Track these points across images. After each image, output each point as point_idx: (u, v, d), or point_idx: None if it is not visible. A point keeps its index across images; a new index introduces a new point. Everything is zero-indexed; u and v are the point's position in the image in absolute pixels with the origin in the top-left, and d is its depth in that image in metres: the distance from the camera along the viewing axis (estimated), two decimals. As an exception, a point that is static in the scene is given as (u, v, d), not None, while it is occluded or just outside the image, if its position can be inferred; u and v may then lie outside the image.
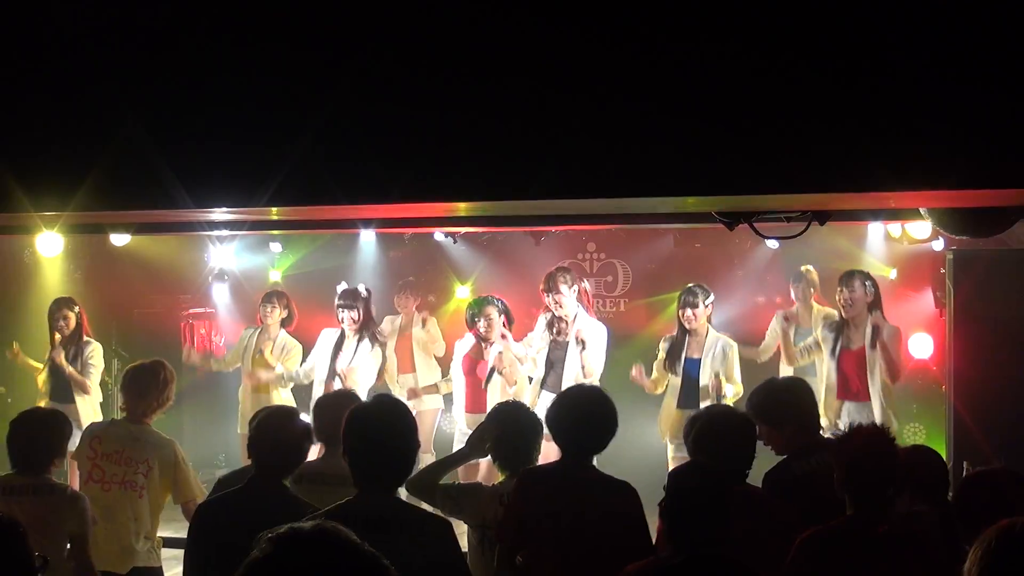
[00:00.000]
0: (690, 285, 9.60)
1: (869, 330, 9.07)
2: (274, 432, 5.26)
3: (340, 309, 10.09)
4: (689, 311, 9.38)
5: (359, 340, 10.07)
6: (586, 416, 5.49)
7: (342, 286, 10.26)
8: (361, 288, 10.23)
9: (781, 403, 6.00)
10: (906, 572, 4.58)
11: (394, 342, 11.14)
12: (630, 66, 4.35)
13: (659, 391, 9.71)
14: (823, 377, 9.37)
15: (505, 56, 4.43)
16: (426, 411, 10.83)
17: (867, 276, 9.30)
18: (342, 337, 10.15)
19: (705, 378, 9.28)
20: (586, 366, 9.19)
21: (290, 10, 4.67)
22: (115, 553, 6.46)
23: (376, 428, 4.53)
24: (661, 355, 9.64)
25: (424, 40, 4.53)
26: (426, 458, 10.62)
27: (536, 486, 5.36)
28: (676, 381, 9.50)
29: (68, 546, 5.92)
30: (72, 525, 5.89)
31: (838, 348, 9.28)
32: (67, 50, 4.78)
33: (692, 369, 9.41)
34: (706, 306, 9.43)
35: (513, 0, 4.45)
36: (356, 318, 10.04)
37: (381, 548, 4.30)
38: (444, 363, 11.10)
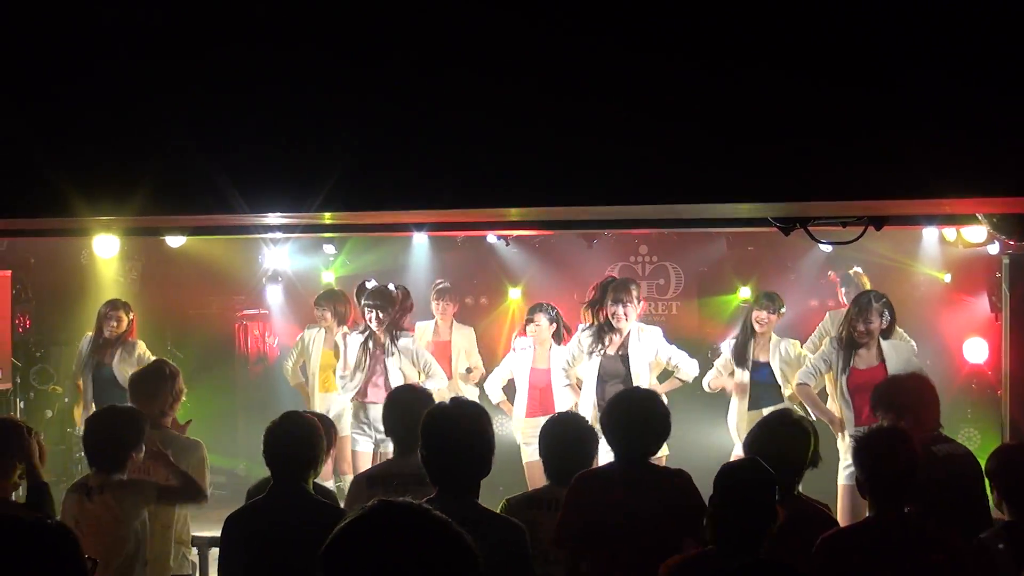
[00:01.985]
0: (769, 291, 9.66)
1: (891, 349, 8.58)
2: (287, 437, 5.24)
3: (368, 308, 9.66)
4: (765, 313, 9.40)
5: (392, 340, 9.70)
6: (638, 419, 5.50)
7: (371, 283, 9.89)
8: (392, 287, 9.88)
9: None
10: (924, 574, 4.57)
11: (429, 349, 10.85)
12: (682, 76, 4.34)
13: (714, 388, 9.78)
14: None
15: (560, 65, 4.44)
16: None
17: (885, 304, 8.66)
18: (368, 339, 9.78)
19: (781, 379, 9.35)
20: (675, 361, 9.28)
21: (341, 16, 4.69)
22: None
23: (452, 431, 4.56)
24: (726, 356, 9.65)
25: (479, 46, 4.53)
26: None
27: (591, 489, 5.37)
28: (744, 383, 9.51)
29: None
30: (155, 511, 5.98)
31: (845, 370, 8.62)
32: (121, 58, 4.82)
33: (762, 371, 9.48)
34: (779, 314, 9.43)
35: (566, 10, 4.44)
36: (383, 318, 9.62)
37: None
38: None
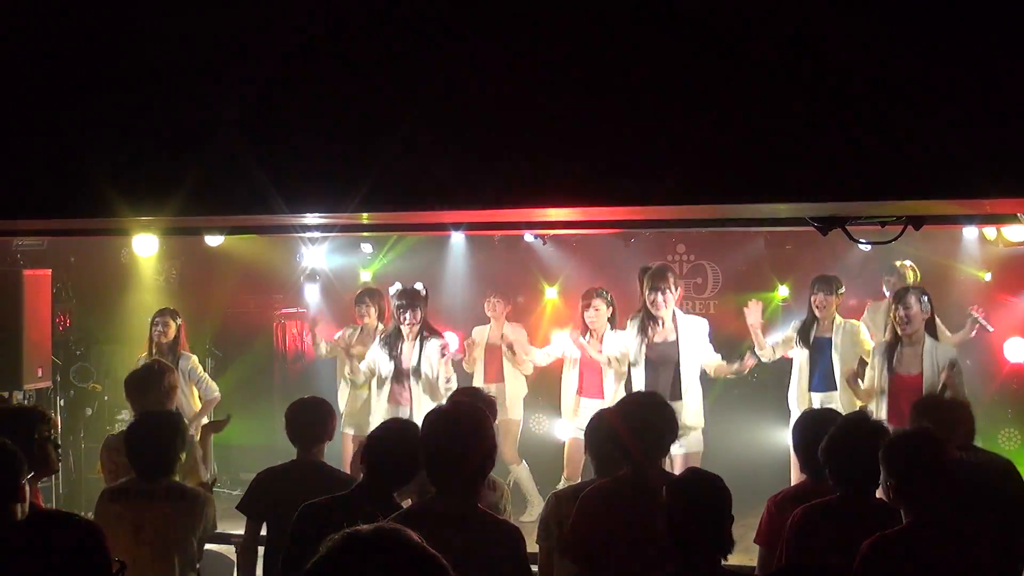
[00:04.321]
0: (824, 274, 9.75)
1: (932, 358, 8.45)
2: (393, 444, 5.18)
3: (399, 309, 9.73)
4: (822, 295, 9.48)
5: (422, 340, 9.74)
6: (645, 422, 5.47)
7: (396, 286, 9.97)
8: (420, 287, 9.93)
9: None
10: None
11: (483, 351, 10.97)
12: (720, 78, 4.34)
13: (773, 356, 9.75)
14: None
15: (601, 66, 4.44)
16: (510, 420, 10.69)
17: (922, 291, 8.70)
18: (396, 337, 9.85)
19: (837, 359, 9.34)
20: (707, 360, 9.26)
21: (381, 16, 4.71)
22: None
23: (450, 432, 4.55)
24: (790, 332, 9.74)
25: (518, 46, 4.54)
26: (514, 468, 10.63)
27: (598, 502, 5.34)
28: (805, 361, 9.57)
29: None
30: (202, 529, 5.75)
31: (888, 371, 8.58)
32: (163, 62, 4.86)
33: (824, 347, 9.50)
34: (838, 296, 9.48)
35: (605, 10, 4.44)
36: (417, 318, 9.70)
37: (450, 545, 4.36)
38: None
